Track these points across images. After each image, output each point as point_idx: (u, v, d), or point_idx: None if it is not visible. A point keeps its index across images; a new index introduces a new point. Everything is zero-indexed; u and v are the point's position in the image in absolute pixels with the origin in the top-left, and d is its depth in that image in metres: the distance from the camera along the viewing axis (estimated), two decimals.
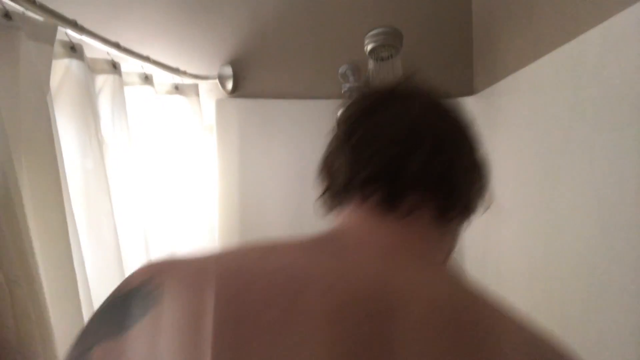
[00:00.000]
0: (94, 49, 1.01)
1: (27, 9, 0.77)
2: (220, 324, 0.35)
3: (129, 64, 1.17)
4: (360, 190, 0.47)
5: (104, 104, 1.02)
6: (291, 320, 0.35)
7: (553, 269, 0.92)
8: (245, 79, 1.58)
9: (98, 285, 0.92)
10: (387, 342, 0.34)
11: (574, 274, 0.84)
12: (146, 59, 1.22)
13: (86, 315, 0.80)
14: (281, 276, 0.37)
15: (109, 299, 0.41)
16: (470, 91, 1.53)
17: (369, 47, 1.21)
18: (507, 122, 1.22)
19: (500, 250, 1.11)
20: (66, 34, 0.89)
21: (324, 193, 0.51)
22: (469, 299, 0.39)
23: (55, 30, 0.82)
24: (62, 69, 0.89)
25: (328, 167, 0.51)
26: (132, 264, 1.05)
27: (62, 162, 0.80)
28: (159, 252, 1.22)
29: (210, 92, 1.56)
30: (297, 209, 1.47)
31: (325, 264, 0.39)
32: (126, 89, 1.13)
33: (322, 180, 0.52)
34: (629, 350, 0.69)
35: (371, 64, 1.24)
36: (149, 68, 1.25)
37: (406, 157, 0.45)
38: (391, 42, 1.19)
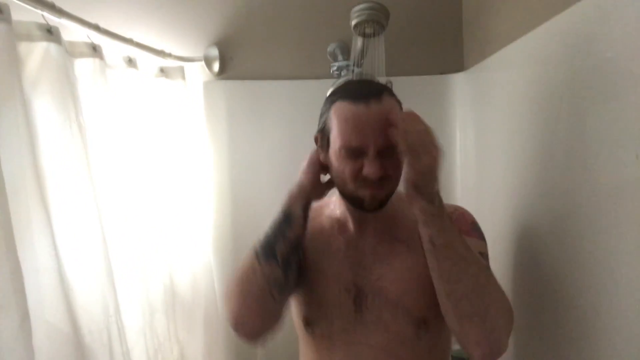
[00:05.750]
0: (74, 31, 0.98)
1: None
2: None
3: (112, 47, 1.13)
4: None
5: (85, 87, 0.99)
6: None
7: (538, 239, 0.93)
8: (232, 60, 1.55)
9: (81, 272, 0.91)
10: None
11: (561, 242, 0.85)
12: (129, 41, 1.19)
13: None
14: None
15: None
16: (461, 67, 1.51)
17: (352, 23, 1.18)
18: (497, 97, 1.21)
19: (492, 224, 1.11)
20: (43, 16, 0.86)
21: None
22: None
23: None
24: (40, 52, 0.86)
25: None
26: (119, 252, 1.04)
27: None
28: (149, 238, 1.20)
29: (197, 75, 1.53)
30: (287, 188, 1.47)
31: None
32: (110, 72, 1.09)
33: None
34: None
35: (359, 41, 1.21)
36: (133, 51, 1.21)
37: None
38: (375, 17, 1.15)
